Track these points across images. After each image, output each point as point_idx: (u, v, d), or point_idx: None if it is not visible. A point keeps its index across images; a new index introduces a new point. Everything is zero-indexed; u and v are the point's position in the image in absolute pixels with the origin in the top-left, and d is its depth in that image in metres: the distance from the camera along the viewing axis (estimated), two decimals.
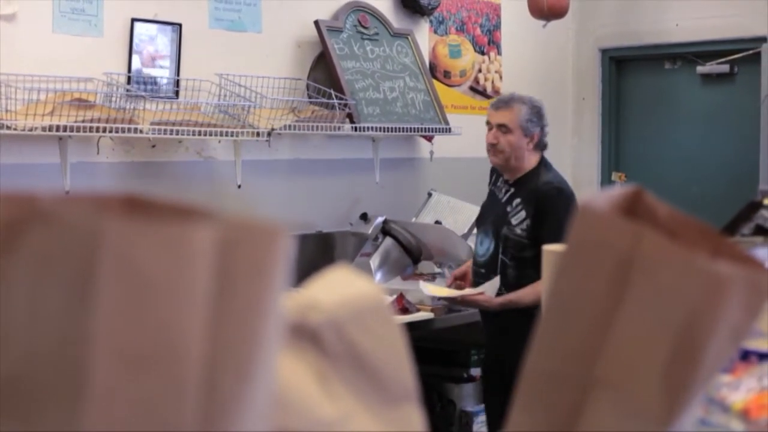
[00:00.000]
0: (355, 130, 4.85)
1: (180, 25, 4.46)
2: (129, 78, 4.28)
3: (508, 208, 3.96)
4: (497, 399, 3.64)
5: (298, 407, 0.77)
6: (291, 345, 0.79)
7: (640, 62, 6.43)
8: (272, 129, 4.45)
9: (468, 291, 3.93)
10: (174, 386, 0.56)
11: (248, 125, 4.46)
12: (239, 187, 4.48)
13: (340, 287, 0.84)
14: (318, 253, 4.86)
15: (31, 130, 3.81)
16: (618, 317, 0.74)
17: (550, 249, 1.40)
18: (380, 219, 4.90)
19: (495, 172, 4.17)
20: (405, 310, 4.33)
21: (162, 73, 4.41)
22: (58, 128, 3.84)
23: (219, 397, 0.58)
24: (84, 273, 0.54)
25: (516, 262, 3.89)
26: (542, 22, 5.62)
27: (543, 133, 4.02)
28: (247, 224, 0.59)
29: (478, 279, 4.03)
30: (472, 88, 5.87)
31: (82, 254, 0.54)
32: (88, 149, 4.18)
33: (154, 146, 4.41)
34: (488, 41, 5.98)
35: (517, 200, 3.95)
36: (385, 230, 4.89)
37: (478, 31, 5.92)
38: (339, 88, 4.81)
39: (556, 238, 1.22)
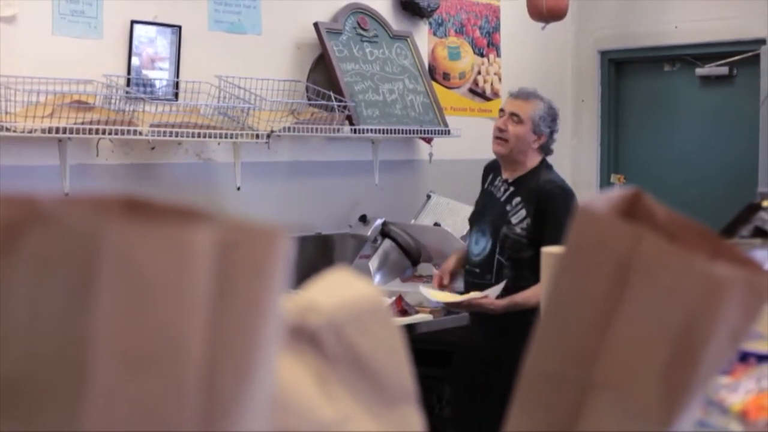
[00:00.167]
0: (355, 132, 4.85)
1: (179, 27, 4.46)
2: (128, 80, 4.28)
3: (508, 207, 3.92)
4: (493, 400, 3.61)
5: (298, 409, 0.78)
6: (290, 347, 0.79)
7: (639, 64, 6.44)
8: (271, 131, 4.46)
9: (472, 295, 3.88)
10: (174, 387, 0.56)
11: (248, 127, 4.46)
12: (238, 189, 4.49)
13: (339, 289, 0.84)
14: (317, 255, 4.86)
15: (30, 132, 3.81)
16: (617, 319, 0.74)
17: (549, 251, 1.40)
18: (379, 221, 4.90)
19: (491, 172, 4.13)
20: (404, 312, 4.33)
21: (161, 75, 4.41)
22: (57, 130, 3.84)
23: (219, 398, 0.58)
24: (84, 274, 0.54)
25: (512, 262, 3.87)
26: (541, 24, 5.62)
27: (551, 138, 4.01)
28: (247, 226, 0.59)
29: (473, 279, 3.99)
30: (471, 90, 5.87)
31: (82, 256, 0.54)
32: (87, 151, 4.18)
33: (153, 148, 4.41)
34: (487, 43, 5.98)
35: (517, 199, 3.92)
36: (385, 232, 4.89)
37: (478, 33, 5.92)
38: (338, 90, 4.82)
39: (556, 238, 1.22)
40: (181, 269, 0.56)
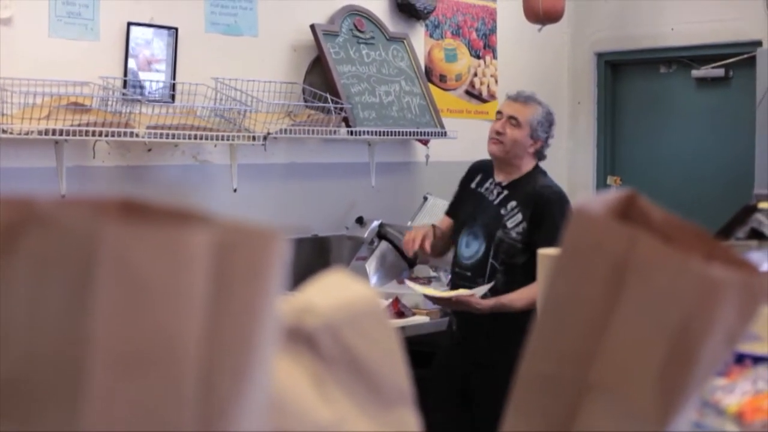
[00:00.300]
0: (351, 134, 4.85)
1: (176, 29, 4.46)
2: (125, 82, 4.28)
3: (503, 211, 3.89)
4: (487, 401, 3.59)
5: (294, 410, 0.78)
6: (287, 348, 0.79)
7: (635, 66, 6.44)
8: (268, 133, 4.46)
9: (460, 292, 3.85)
10: (171, 387, 0.56)
11: (244, 129, 4.46)
12: (235, 191, 4.49)
13: (335, 291, 0.84)
14: (314, 256, 4.86)
15: (27, 133, 3.81)
16: (613, 320, 0.74)
17: (544, 253, 1.41)
18: (376, 223, 4.90)
19: (479, 172, 4.07)
20: (401, 314, 4.33)
21: (158, 77, 4.41)
22: (54, 132, 3.84)
23: (216, 399, 0.58)
24: (82, 276, 0.54)
25: (506, 267, 3.83)
26: (538, 26, 5.63)
27: (546, 143, 3.99)
28: (243, 228, 0.59)
29: (463, 282, 3.93)
30: (467, 92, 5.88)
31: (80, 257, 0.55)
32: (84, 153, 4.18)
33: (149, 150, 4.41)
34: (484, 45, 5.99)
35: (513, 203, 3.88)
36: (381, 234, 4.89)
37: (474, 35, 5.93)
38: (335, 92, 4.82)
39: (552, 243, 1.21)
40: (178, 271, 0.56)
